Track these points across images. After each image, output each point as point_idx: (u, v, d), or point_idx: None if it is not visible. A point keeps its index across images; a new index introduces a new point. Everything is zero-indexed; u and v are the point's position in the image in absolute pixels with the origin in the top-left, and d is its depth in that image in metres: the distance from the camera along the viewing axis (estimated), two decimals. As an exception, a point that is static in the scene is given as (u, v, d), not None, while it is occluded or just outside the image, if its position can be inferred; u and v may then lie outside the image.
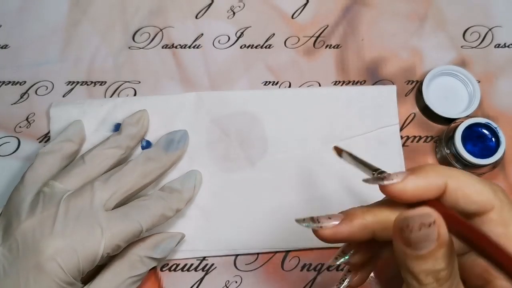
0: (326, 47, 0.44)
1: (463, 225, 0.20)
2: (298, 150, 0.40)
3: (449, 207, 0.21)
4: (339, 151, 0.28)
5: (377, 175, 0.23)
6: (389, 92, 0.42)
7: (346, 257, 0.25)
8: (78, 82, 0.43)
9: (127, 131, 0.38)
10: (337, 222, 0.23)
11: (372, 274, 0.26)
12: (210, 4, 0.45)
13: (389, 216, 0.22)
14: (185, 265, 0.39)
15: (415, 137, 0.42)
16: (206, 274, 0.38)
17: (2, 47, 0.44)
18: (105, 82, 0.43)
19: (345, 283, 0.26)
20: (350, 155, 0.26)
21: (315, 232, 0.23)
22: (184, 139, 0.39)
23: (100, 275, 0.34)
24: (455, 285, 0.21)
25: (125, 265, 0.34)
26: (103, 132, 0.40)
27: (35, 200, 0.33)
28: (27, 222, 0.32)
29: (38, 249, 0.31)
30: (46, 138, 0.41)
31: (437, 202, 0.21)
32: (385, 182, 0.22)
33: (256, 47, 0.44)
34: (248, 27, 0.44)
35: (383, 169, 0.23)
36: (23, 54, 0.43)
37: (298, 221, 0.24)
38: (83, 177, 0.35)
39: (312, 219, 0.24)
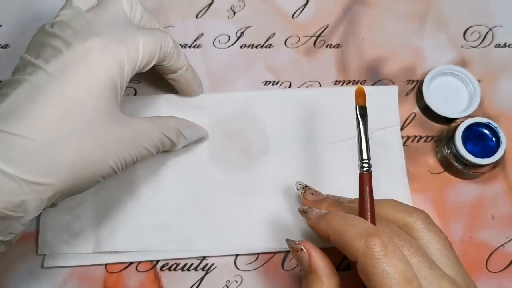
0: (327, 47, 0.44)
1: None
2: (299, 150, 0.40)
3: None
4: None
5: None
6: (391, 92, 0.42)
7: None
8: (78, 82, 0.42)
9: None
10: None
11: None
12: (211, 4, 0.45)
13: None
14: (185, 265, 0.39)
15: (415, 137, 0.42)
16: (206, 274, 0.38)
17: (2, 47, 0.43)
18: (105, 82, 0.42)
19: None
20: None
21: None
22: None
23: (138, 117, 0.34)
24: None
25: (159, 123, 0.35)
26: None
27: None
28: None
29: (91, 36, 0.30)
30: (46, 138, 0.41)
31: None
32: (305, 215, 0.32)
33: (256, 47, 0.44)
34: (248, 27, 0.44)
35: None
36: (23, 54, 0.43)
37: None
38: None
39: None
